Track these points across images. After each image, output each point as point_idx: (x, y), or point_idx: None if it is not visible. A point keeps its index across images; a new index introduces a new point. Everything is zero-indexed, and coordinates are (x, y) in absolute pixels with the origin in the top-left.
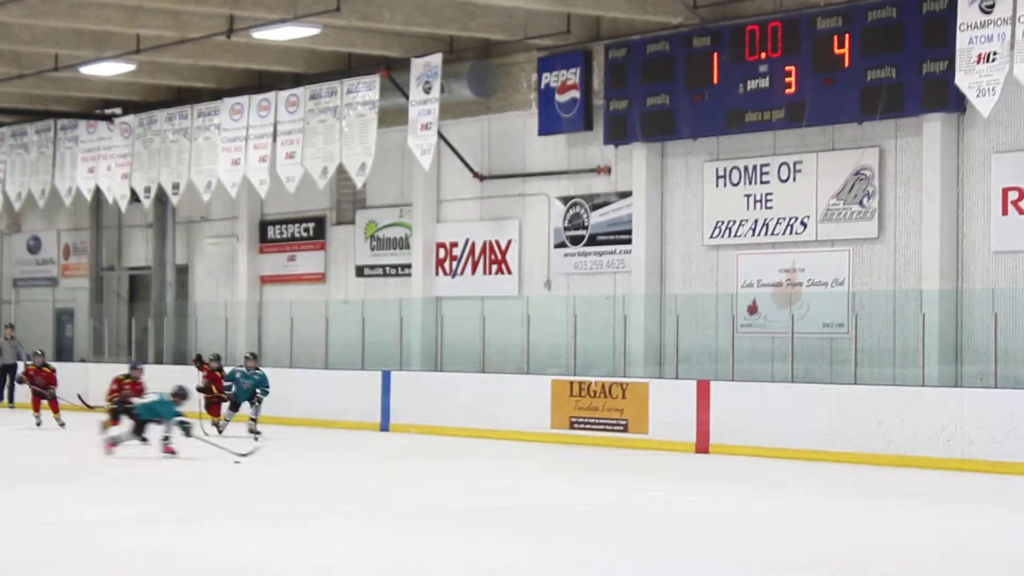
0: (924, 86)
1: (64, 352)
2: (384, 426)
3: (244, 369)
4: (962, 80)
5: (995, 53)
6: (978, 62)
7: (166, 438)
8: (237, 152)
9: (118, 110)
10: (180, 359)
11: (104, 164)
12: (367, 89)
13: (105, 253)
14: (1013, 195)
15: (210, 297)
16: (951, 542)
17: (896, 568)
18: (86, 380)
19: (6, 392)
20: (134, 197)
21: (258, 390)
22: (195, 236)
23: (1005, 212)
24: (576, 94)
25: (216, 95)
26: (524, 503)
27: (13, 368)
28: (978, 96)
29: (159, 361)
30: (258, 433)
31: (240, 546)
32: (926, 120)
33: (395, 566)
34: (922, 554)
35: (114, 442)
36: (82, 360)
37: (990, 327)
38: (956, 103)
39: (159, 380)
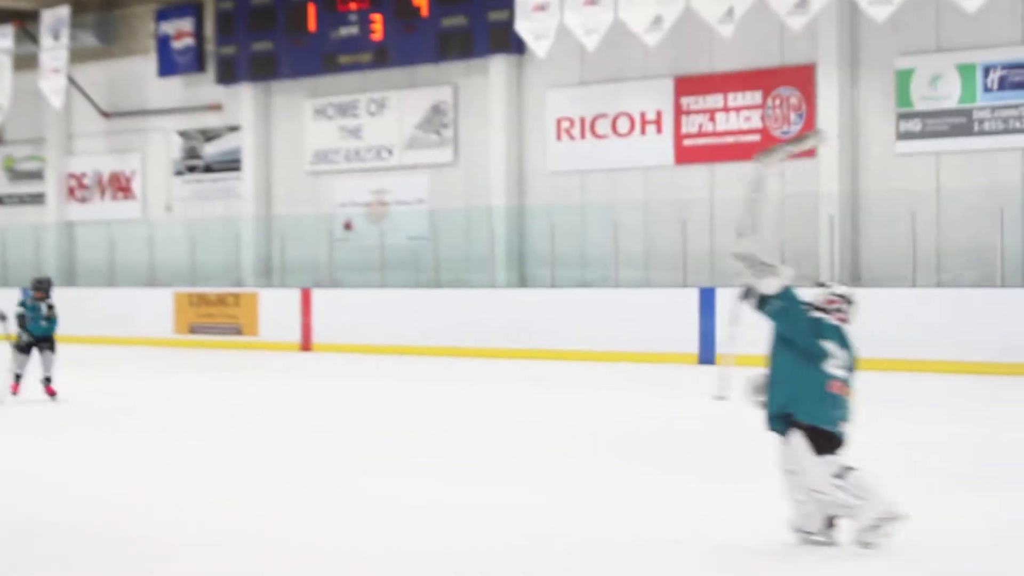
0: (490, 32)
1: None
2: None
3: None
4: (522, 26)
5: (548, 3)
6: (535, 11)
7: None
8: None
9: None
10: None
11: None
12: (2, 38)
13: None
14: (565, 124)
15: None
16: (515, 417)
17: (452, 439)
18: None
19: None
20: None
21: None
22: None
23: (559, 138)
24: (191, 41)
25: None
26: (148, 399)
27: None
28: (535, 40)
29: None
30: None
31: None
32: (492, 61)
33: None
34: (482, 431)
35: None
36: None
37: (548, 236)
38: (517, 46)
39: None
